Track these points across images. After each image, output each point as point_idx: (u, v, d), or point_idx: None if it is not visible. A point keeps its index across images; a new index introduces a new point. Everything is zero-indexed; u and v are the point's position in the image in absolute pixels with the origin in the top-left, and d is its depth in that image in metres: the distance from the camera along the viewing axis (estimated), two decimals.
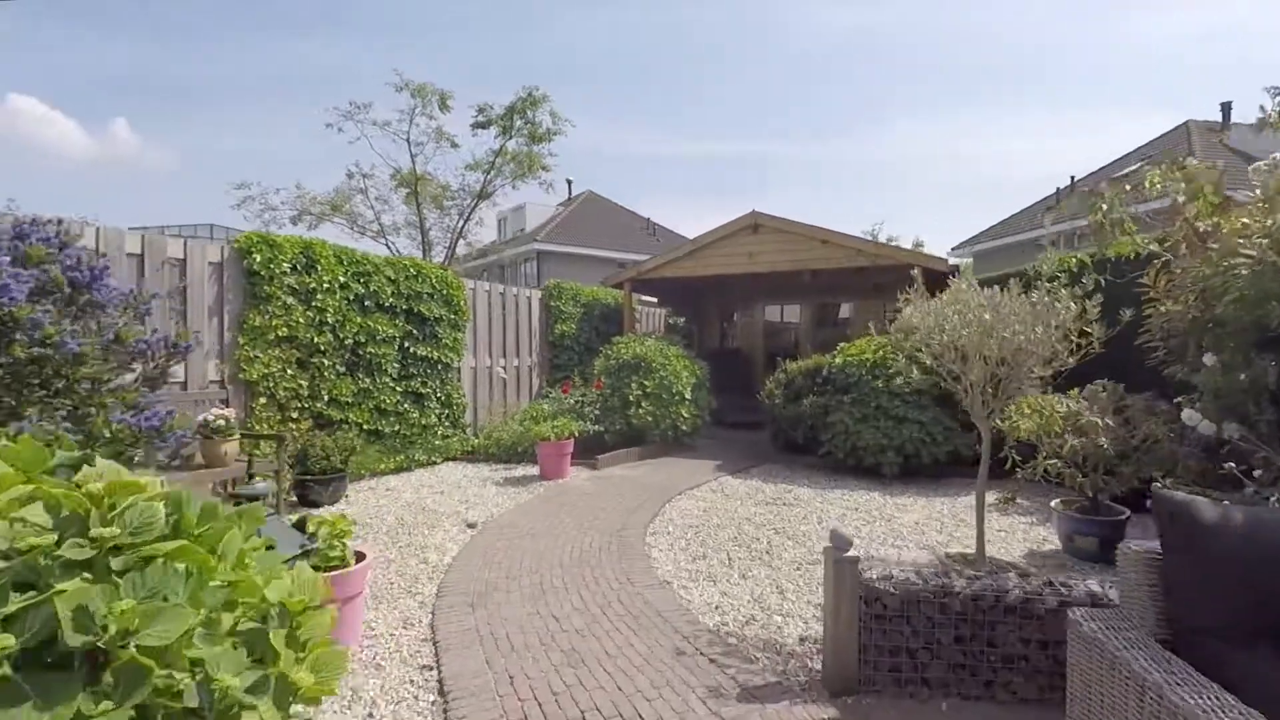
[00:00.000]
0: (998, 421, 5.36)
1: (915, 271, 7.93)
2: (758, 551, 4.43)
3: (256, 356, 5.72)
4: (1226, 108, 23.28)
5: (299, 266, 6.10)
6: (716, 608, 3.47)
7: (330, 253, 6.41)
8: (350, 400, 6.51)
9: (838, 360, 7.04)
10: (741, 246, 9.22)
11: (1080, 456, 4.28)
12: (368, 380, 6.69)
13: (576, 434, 6.82)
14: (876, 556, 4.23)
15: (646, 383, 7.79)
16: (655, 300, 11.89)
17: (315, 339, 6.17)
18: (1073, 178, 27.08)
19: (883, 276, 11.50)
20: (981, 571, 2.79)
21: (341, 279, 6.46)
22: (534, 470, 6.89)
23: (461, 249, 19.01)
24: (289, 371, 5.95)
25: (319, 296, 6.21)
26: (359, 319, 6.63)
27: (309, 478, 5.55)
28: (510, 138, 17.13)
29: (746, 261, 9.19)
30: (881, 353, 6.82)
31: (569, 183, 37.43)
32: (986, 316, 3.80)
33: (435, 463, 7.36)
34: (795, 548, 4.52)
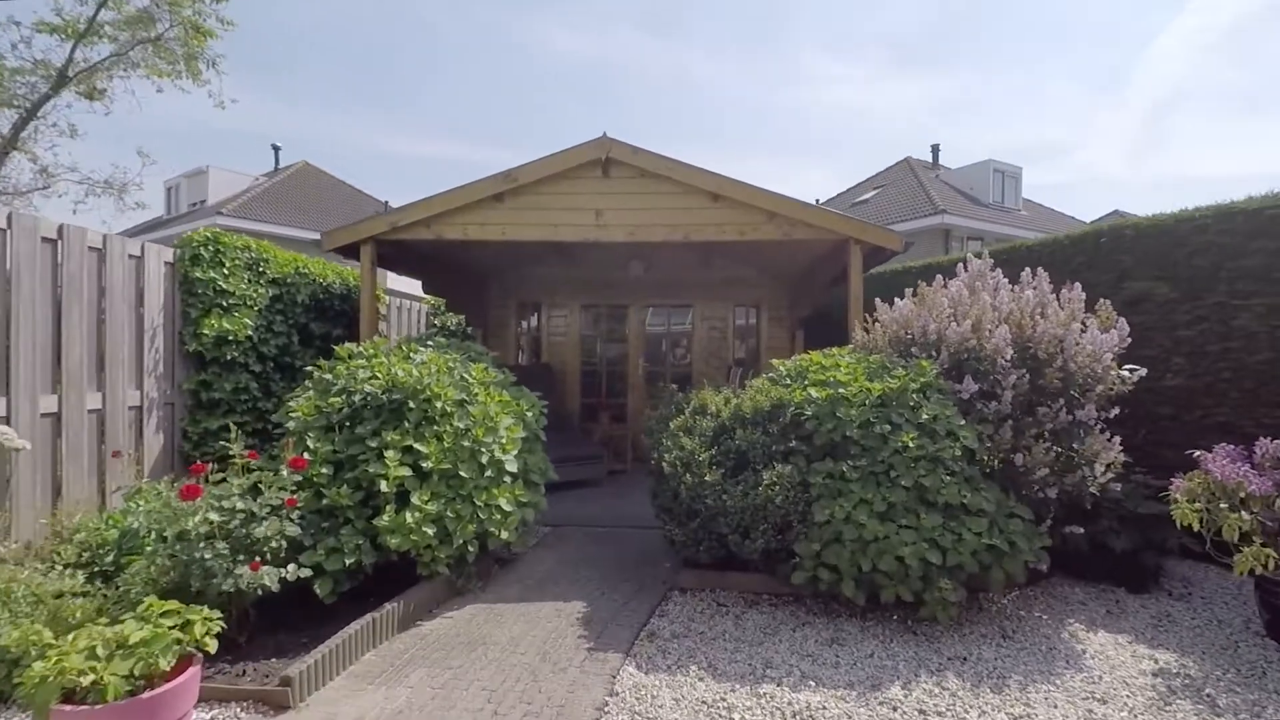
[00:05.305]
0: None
1: (855, 247, 5.07)
2: None
3: None
4: (935, 150, 26.59)
5: None
6: None
7: None
8: None
9: (816, 393, 3.68)
10: (584, 197, 5.42)
11: None
12: None
13: (214, 633, 2.31)
14: None
15: (424, 446, 3.52)
16: (418, 286, 7.38)
17: None
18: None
19: (738, 268, 8.67)
20: None
21: None
22: None
23: (28, 174, 10.70)
24: None
25: None
26: None
27: None
28: None
29: (592, 224, 5.41)
30: (902, 381, 3.65)
31: (276, 150, 29.28)
32: None
33: None
34: None
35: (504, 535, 3.69)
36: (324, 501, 3.39)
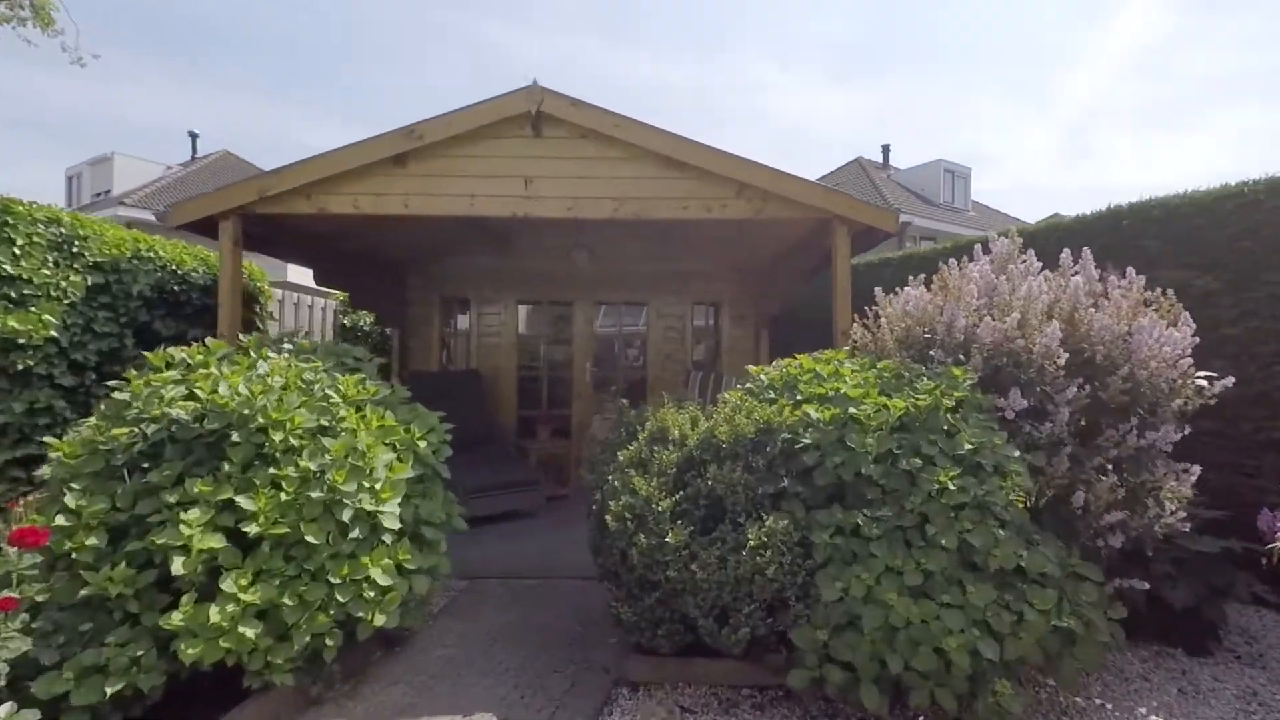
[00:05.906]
0: None
1: (840, 228, 4.17)
2: None
3: None
4: (886, 150, 26.42)
5: None
6: None
7: None
8: None
9: (815, 413, 2.71)
10: (509, 161, 4.33)
11: None
12: None
13: None
14: None
15: (250, 501, 2.39)
16: (310, 276, 6.11)
17: None
18: None
19: (698, 259, 7.67)
20: None
21: None
22: None
23: None
24: None
25: None
26: None
27: None
28: None
29: (520, 195, 4.33)
30: (932, 396, 2.71)
31: (193, 138, 27.02)
32: None
33: None
34: None
35: (378, 620, 2.57)
36: (86, 590, 2.20)
